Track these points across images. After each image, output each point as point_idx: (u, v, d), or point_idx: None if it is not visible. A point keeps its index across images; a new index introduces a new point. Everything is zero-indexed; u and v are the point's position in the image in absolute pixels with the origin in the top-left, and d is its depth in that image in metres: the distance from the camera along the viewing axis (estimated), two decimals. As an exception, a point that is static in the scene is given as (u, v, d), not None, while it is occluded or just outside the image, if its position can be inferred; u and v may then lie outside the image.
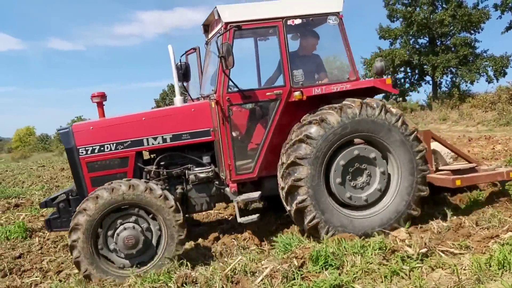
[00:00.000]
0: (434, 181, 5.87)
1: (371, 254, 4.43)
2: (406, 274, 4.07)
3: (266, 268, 4.30)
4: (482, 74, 33.15)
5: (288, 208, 5.38)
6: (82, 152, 5.44)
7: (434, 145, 6.49)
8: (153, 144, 5.60)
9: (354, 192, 5.45)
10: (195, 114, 5.68)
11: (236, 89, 5.37)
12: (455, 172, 6.15)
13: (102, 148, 5.48)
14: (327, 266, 4.27)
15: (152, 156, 5.88)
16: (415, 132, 5.46)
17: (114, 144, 5.51)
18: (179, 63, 6.13)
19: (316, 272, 4.20)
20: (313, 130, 5.21)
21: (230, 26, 5.31)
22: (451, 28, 33.17)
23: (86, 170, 5.47)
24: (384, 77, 5.76)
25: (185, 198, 5.85)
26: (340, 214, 5.34)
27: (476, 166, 6.33)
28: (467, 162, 6.46)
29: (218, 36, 5.34)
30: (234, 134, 5.47)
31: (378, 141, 5.42)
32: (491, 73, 33.15)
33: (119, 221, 4.95)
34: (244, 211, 7.10)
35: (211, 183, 5.86)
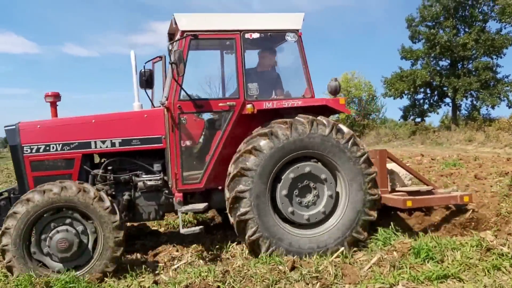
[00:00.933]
0: (387, 201, 5.84)
1: (469, 250, 4.87)
2: (506, 269, 4.48)
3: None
4: (503, 99, 32.88)
5: (231, 220, 5.29)
6: (27, 151, 5.34)
7: (392, 165, 6.48)
8: (101, 147, 5.51)
9: (298, 209, 5.37)
10: (148, 120, 5.61)
11: (188, 97, 5.33)
12: (410, 193, 6.14)
13: (47, 148, 5.38)
14: (428, 260, 4.74)
15: (102, 160, 5.78)
16: (366, 154, 5.42)
17: (60, 145, 5.41)
18: (143, 70, 6.07)
19: (419, 264, 4.68)
20: (262, 142, 5.16)
21: (186, 34, 5.30)
22: (474, 52, 33.18)
23: (30, 169, 5.36)
24: (338, 96, 5.74)
25: (133, 205, 5.72)
26: (282, 231, 5.25)
27: (433, 189, 6.32)
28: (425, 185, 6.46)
29: (171, 43, 5.31)
30: (183, 142, 5.41)
31: (327, 160, 5.37)
32: (512, 98, 33.17)
33: (52, 224, 4.82)
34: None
35: (160, 192, 5.75)
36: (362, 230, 5.41)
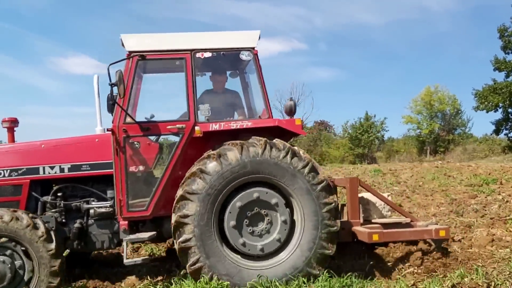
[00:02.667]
0: (356, 234, 5.32)
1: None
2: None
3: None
4: None
5: (175, 245, 4.91)
6: None
7: (369, 195, 5.94)
8: (49, 173, 5.33)
9: (250, 239, 4.95)
10: (99, 145, 5.40)
11: (133, 120, 5.09)
12: (386, 226, 5.59)
13: None
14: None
15: (53, 186, 5.59)
16: (324, 182, 4.95)
17: (8, 171, 5.28)
18: (109, 94, 5.89)
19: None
20: (209, 165, 4.82)
21: (133, 54, 5.12)
22: None
23: None
24: (294, 117, 5.33)
25: (85, 233, 5.47)
26: (229, 261, 4.83)
27: (411, 221, 5.73)
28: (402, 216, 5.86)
29: (112, 64, 5.09)
30: (129, 167, 5.13)
31: (281, 186, 4.94)
32: None
33: None
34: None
35: (113, 219, 5.47)
36: (317, 265, 4.89)
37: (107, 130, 5.12)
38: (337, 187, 6.03)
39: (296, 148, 5.07)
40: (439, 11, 78.41)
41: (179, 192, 4.84)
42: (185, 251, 4.78)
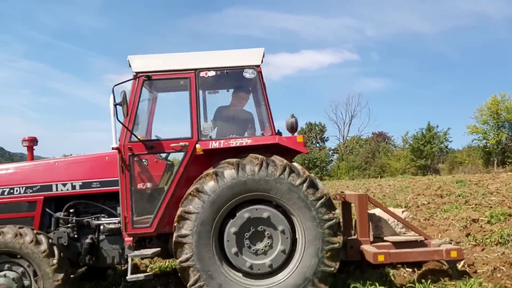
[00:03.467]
0: (364, 253, 5.17)
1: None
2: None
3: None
4: None
5: (177, 265, 4.95)
6: None
7: (381, 212, 5.76)
8: (61, 190, 5.54)
9: (255, 259, 4.90)
10: (109, 162, 5.56)
11: (137, 139, 5.22)
12: (397, 244, 5.39)
13: (11, 191, 5.52)
14: None
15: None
16: (324, 198, 4.85)
17: (23, 188, 5.53)
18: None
19: None
20: (206, 184, 4.85)
21: (139, 75, 5.27)
22: None
23: None
24: (296, 134, 5.27)
25: (96, 248, 5.62)
26: (231, 281, 4.80)
27: (425, 239, 5.48)
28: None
29: (118, 84, 5.23)
30: (134, 185, 5.25)
31: (280, 203, 4.89)
32: None
33: None
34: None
35: (122, 235, 5.60)
36: (320, 283, 4.77)
37: (113, 148, 5.27)
38: (351, 204, 5.89)
39: (295, 164, 5.01)
40: (497, 17, 75.74)
41: (178, 211, 4.89)
42: (185, 270, 4.81)
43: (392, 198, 12.87)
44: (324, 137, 62.91)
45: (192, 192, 4.86)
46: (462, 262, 5.58)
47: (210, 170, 4.92)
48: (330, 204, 4.91)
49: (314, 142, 61.93)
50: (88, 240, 5.54)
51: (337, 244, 4.82)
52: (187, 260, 4.78)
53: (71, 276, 5.20)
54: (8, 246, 4.80)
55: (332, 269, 4.81)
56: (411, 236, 5.56)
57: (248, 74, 5.37)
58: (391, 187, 17.81)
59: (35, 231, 5.00)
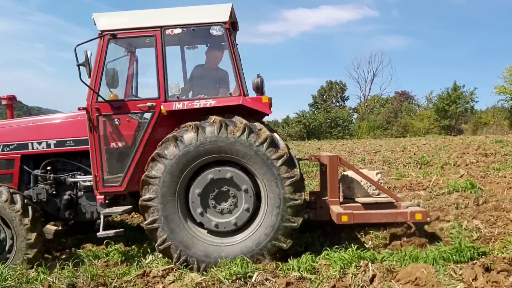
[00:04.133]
0: (330, 213, 5.19)
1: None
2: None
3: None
4: None
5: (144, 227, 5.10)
6: None
7: (353, 173, 5.71)
8: (37, 148, 5.67)
9: (209, 212, 5.01)
10: (82, 122, 5.61)
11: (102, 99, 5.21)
12: (366, 205, 5.39)
13: None
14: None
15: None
16: (284, 156, 4.81)
17: (1, 146, 5.69)
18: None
19: None
20: (167, 149, 4.87)
21: (104, 33, 5.18)
22: None
23: None
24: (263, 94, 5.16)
25: (74, 204, 5.81)
26: (197, 240, 4.94)
27: (396, 202, 5.44)
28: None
29: (81, 44, 5.15)
30: (103, 145, 5.31)
31: (242, 163, 4.88)
32: None
33: None
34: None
35: None
36: (284, 238, 4.86)
37: (80, 109, 5.29)
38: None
39: (256, 124, 4.94)
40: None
41: (142, 176, 4.96)
42: (152, 231, 4.95)
43: (436, 157, 12.76)
44: (344, 96, 61.80)
45: (154, 157, 4.89)
46: None
47: (171, 134, 4.92)
48: (291, 162, 4.88)
49: (334, 101, 60.81)
50: (66, 197, 5.73)
51: (299, 201, 4.83)
52: (153, 222, 4.91)
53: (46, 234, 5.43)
54: None
55: (295, 224, 4.85)
56: (381, 198, 5.52)
57: (215, 31, 5.20)
58: (426, 146, 17.58)
59: (11, 190, 5.14)
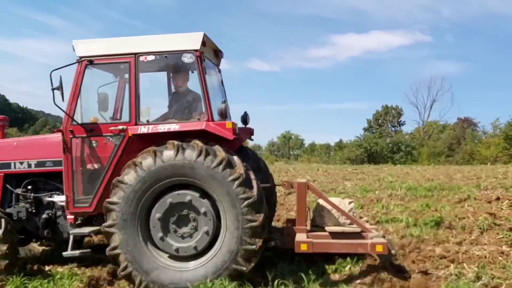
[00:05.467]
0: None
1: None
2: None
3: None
4: None
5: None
6: None
7: (333, 200, 5.66)
8: (19, 168, 5.92)
9: (181, 242, 5.03)
10: (60, 143, 5.83)
11: (76, 122, 5.41)
12: (333, 234, 5.30)
13: None
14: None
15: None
16: (241, 178, 4.82)
17: None
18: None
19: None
20: (127, 174, 4.99)
21: (82, 59, 5.43)
22: None
23: None
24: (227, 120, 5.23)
25: (53, 223, 5.98)
26: (157, 264, 4.98)
27: (363, 232, 5.32)
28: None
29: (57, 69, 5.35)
30: (76, 166, 5.48)
31: (201, 186, 4.94)
32: None
33: None
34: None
35: None
36: (244, 261, 4.82)
37: (55, 131, 5.51)
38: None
39: (215, 147, 4.99)
40: None
41: (104, 203, 5.08)
42: (114, 258, 5.03)
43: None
44: (400, 121, 60.90)
45: (114, 183, 5.02)
46: None
47: (131, 161, 5.04)
48: (248, 183, 4.87)
49: (389, 126, 60.18)
50: (44, 215, 5.92)
51: (257, 222, 4.79)
52: (114, 248, 4.98)
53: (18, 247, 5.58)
54: None
55: (254, 247, 4.80)
56: (350, 227, 5.41)
57: (187, 58, 5.36)
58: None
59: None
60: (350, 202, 5.75)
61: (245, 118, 6.33)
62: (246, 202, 4.80)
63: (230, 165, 4.87)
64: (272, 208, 6.47)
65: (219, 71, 6.54)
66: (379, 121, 59.91)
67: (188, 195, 4.98)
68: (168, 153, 4.91)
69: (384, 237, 5.24)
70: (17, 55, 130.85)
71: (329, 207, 5.59)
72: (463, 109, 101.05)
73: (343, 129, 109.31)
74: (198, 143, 4.94)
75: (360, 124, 79.78)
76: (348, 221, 5.59)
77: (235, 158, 4.99)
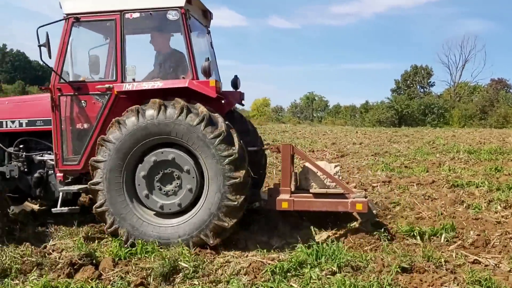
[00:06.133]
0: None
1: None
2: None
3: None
4: None
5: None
6: None
7: (320, 163, 5.65)
8: (10, 127, 6.00)
9: (166, 200, 5.11)
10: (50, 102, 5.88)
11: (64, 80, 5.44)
12: (317, 195, 5.32)
13: None
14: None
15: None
16: (233, 156, 4.83)
17: None
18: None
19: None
20: (111, 133, 5.04)
21: (68, 17, 5.41)
22: None
23: None
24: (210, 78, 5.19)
25: (45, 183, 6.08)
26: (141, 220, 5.08)
27: (346, 193, 5.31)
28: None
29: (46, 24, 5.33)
30: (64, 124, 5.53)
31: (183, 144, 4.96)
32: None
33: None
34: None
35: None
36: (226, 217, 4.89)
37: (43, 88, 5.55)
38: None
39: (196, 105, 4.99)
40: None
41: (90, 161, 5.16)
42: (101, 215, 5.15)
43: None
44: (430, 81, 58.49)
45: (99, 142, 5.07)
46: None
47: (115, 119, 5.07)
48: (229, 140, 4.89)
49: (419, 87, 58.09)
50: (36, 175, 6.01)
51: (238, 179, 4.83)
52: (101, 205, 5.09)
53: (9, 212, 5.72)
54: None
55: (236, 203, 4.86)
56: (333, 189, 5.40)
57: (171, 15, 5.30)
58: None
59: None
60: (336, 166, 5.74)
61: (235, 82, 6.23)
62: (227, 160, 4.82)
63: (211, 122, 4.87)
64: (261, 170, 6.49)
65: (208, 32, 6.47)
66: (408, 82, 57.66)
67: (172, 153, 5.01)
68: (150, 112, 4.93)
69: (365, 197, 5.21)
70: (39, 12, 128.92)
71: (314, 170, 5.58)
72: (496, 70, 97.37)
73: (369, 90, 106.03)
74: (179, 101, 4.93)
75: (387, 85, 77.59)
76: (333, 185, 5.59)
77: (217, 115, 4.98)
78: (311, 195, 5.36)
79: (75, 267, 4.42)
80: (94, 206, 5.14)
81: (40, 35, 5.18)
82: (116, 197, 5.06)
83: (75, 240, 5.31)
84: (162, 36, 5.76)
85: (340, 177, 5.71)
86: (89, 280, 4.19)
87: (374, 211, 5.07)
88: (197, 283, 4.15)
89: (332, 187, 5.57)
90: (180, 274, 4.30)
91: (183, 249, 4.76)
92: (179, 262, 4.43)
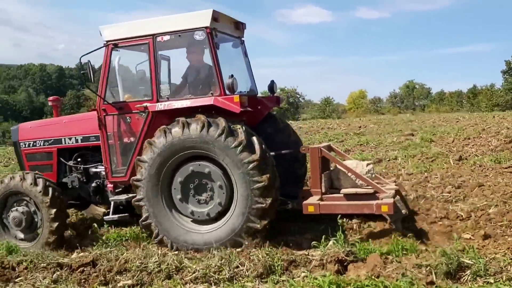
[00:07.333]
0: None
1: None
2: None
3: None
4: None
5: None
6: (22, 146, 6.98)
7: (347, 163, 5.83)
8: (68, 143, 6.75)
9: (197, 207, 5.59)
10: None
11: (107, 102, 6.01)
12: (348, 196, 5.52)
13: (34, 144, 6.91)
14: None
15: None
16: (256, 162, 5.17)
17: (42, 141, 6.87)
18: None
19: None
20: (158, 138, 5.54)
21: (108, 43, 5.97)
22: None
23: (26, 160, 7.00)
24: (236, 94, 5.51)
25: (101, 191, 6.79)
26: (182, 229, 5.60)
27: (376, 193, 5.45)
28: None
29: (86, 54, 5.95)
30: (111, 140, 6.14)
31: (219, 161, 5.37)
32: None
33: (15, 203, 6.34)
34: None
35: None
36: (257, 219, 5.26)
37: (90, 110, 6.17)
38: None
39: (237, 126, 5.33)
40: None
41: (135, 159, 5.74)
42: (139, 207, 5.74)
43: None
44: None
45: (146, 144, 5.60)
46: None
47: (147, 141, 5.59)
48: (262, 167, 5.21)
49: None
50: (94, 184, 6.72)
51: (264, 205, 5.18)
52: (139, 200, 5.68)
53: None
54: (17, 187, 6.20)
55: (258, 226, 5.24)
56: (365, 189, 5.53)
57: (198, 36, 5.67)
58: None
59: (36, 175, 6.27)
60: (368, 164, 5.85)
61: (271, 87, 6.68)
62: (251, 165, 5.16)
63: (231, 133, 5.23)
64: (300, 166, 6.70)
65: (242, 42, 6.75)
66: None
67: (208, 167, 5.46)
68: (175, 130, 5.39)
69: (394, 197, 5.29)
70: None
71: (345, 170, 5.74)
72: None
73: (474, 74, 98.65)
74: (201, 117, 5.33)
75: (496, 67, 71.18)
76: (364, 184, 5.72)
77: (237, 126, 5.32)
78: (341, 195, 5.54)
79: (344, 264, 4.53)
80: (140, 220, 5.74)
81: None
82: (157, 210, 5.62)
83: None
84: (195, 52, 6.15)
85: (373, 175, 5.81)
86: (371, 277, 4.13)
87: (403, 211, 5.15)
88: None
89: (364, 186, 5.71)
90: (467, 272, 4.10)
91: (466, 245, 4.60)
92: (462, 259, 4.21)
